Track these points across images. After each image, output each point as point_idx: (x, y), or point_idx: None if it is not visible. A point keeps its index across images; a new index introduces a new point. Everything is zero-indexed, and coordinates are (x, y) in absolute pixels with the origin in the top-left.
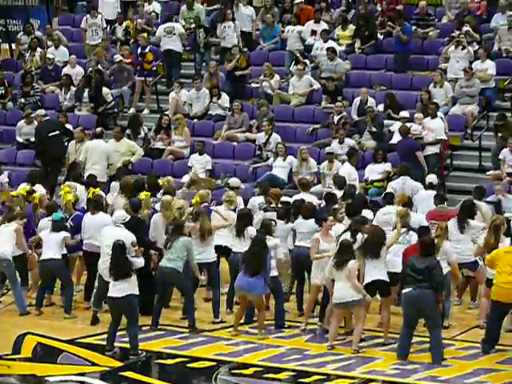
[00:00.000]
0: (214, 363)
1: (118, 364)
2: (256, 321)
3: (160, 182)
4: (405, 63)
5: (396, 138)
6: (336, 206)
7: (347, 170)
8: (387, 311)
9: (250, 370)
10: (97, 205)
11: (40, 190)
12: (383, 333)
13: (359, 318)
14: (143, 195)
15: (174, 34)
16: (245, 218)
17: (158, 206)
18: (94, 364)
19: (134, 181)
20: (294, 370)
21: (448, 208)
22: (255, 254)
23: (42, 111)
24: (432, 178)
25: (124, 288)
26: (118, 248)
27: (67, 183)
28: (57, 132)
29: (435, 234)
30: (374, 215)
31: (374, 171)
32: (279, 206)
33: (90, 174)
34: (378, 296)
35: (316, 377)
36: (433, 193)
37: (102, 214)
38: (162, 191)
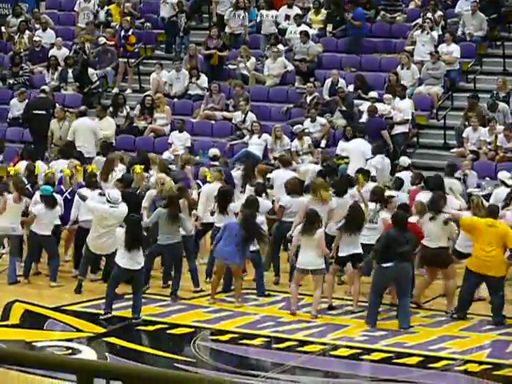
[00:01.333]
0: (193, 329)
1: (102, 330)
2: (233, 289)
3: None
4: (357, 46)
5: (365, 117)
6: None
7: (364, 147)
8: (359, 281)
9: (227, 337)
10: (92, 182)
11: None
12: (353, 301)
13: (318, 284)
14: (138, 168)
15: (167, 2)
16: (227, 195)
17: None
18: (78, 330)
19: (129, 158)
20: (268, 337)
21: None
22: (246, 229)
23: (43, 87)
24: (405, 160)
25: (140, 261)
26: (136, 222)
27: (72, 160)
28: (43, 112)
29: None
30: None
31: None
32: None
33: (77, 151)
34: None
35: (289, 343)
36: (408, 173)
37: (98, 191)
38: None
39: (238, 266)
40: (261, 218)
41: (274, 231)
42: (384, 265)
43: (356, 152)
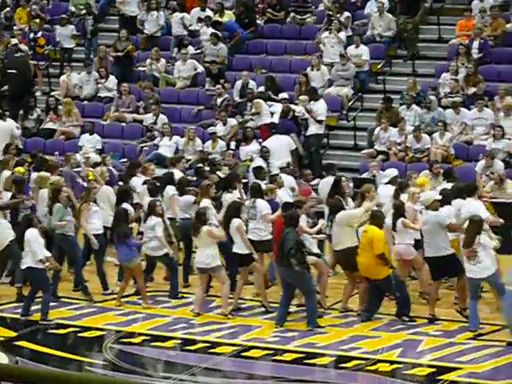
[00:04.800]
0: (104, 332)
1: (13, 334)
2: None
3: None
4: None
5: (276, 119)
6: (207, 181)
7: (286, 140)
8: (262, 279)
9: (139, 339)
10: None
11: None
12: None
13: (222, 282)
14: (20, 170)
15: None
16: (122, 196)
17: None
18: None
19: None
20: (180, 339)
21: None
22: (116, 227)
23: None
24: (284, 161)
25: (28, 262)
26: (25, 222)
27: None
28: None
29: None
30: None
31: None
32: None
33: None
34: None
35: (201, 344)
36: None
37: None
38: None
39: (133, 265)
40: (154, 220)
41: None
42: (277, 266)
43: (279, 148)
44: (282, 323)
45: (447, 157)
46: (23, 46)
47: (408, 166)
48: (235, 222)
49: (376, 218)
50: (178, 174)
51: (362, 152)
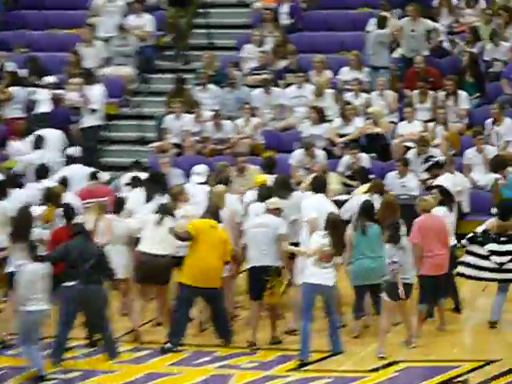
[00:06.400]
0: None
1: None
2: None
3: None
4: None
5: (45, 108)
6: None
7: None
8: None
9: None
10: None
11: None
12: None
13: None
14: None
15: None
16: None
17: None
18: None
19: None
20: None
21: (99, 184)
22: None
23: None
24: (72, 150)
25: None
26: None
27: None
28: None
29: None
30: None
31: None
32: None
33: None
34: None
35: None
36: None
37: None
38: None
39: None
40: None
41: None
42: (66, 284)
43: (51, 142)
44: (60, 361)
45: (255, 147)
46: None
47: (209, 160)
48: None
49: (213, 214)
50: None
51: (150, 145)
